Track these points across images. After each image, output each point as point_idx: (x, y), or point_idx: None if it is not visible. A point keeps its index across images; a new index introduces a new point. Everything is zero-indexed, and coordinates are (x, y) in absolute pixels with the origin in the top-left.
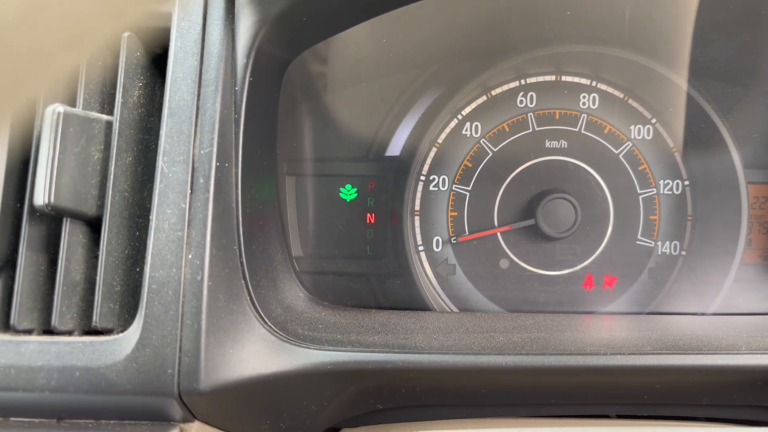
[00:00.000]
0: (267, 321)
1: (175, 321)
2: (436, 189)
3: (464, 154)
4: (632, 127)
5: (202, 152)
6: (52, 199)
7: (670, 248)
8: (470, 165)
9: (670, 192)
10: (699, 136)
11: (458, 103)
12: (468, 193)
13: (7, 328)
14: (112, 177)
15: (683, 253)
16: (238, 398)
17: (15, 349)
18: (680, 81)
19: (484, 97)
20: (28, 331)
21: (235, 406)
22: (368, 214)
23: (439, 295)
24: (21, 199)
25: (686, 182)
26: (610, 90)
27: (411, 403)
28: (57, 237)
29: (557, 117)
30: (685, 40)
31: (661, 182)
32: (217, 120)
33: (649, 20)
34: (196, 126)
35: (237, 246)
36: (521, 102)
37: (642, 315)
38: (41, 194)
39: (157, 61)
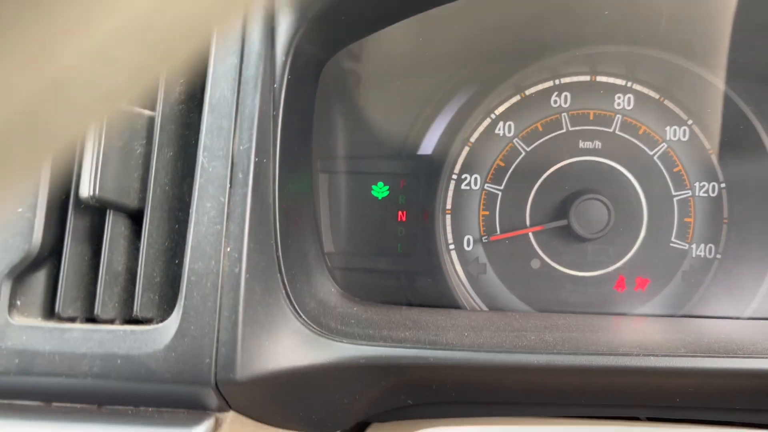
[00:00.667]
0: (301, 314)
1: (213, 312)
2: (468, 188)
3: (497, 154)
4: (668, 128)
5: (241, 148)
6: (97, 192)
7: (704, 251)
8: (503, 164)
9: (706, 194)
10: (736, 138)
11: (492, 103)
12: (500, 193)
13: (52, 315)
14: (153, 171)
15: (718, 256)
16: (272, 389)
17: (59, 336)
18: (718, 82)
19: (518, 97)
20: (72, 319)
21: (269, 397)
22: (399, 212)
23: (470, 294)
24: (67, 192)
25: (723, 185)
26: (646, 91)
27: (441, 400)
28: (100, 228)
29: (591, 117)
30: (724, 41)
31: (697, 184)
32: (256, 116)
33: (686, 20)
34: (235, 122)
35: (273, 240)
36: (555, 102)
37: (675, 318)
38: (87, 187)
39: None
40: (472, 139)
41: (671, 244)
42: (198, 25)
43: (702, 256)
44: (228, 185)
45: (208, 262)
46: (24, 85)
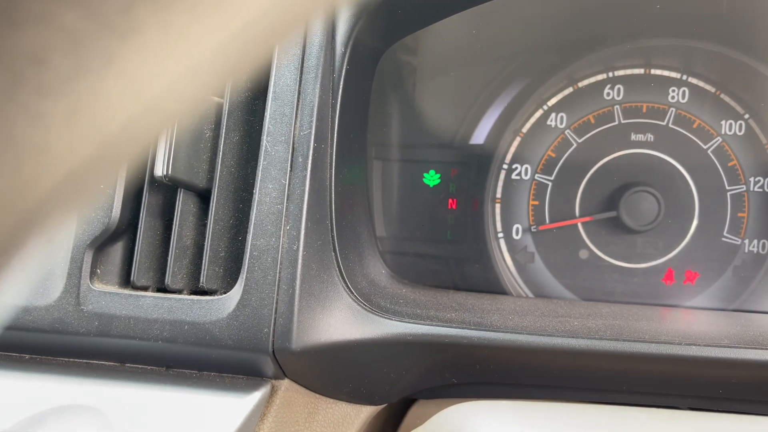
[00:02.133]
0: (353, 291)
1: (273, 285)
2: (518, 177)
3: (548, 145)
4: (723, 122)
5: (301, 133)
6: (170, 172)
7: (758, 247)
8: (554, 155)
9: (761, 189)
10: None
11: (544, 94)
12: (550, 183)
13: (127, 284)
14: (220, 154)
15: None
16: (324, 360)
17: (134, 302)
18: None
19: (571, 89)
20: (145, 288)
21: (321, 368)
22: (450, 200)
23: (516, 281)
24: (143, 171)
25: None
26: (701, 84)
27: (484, 380)
28: (172, 206)
29: (644, 110)
30: None
31: (752, 179)
32: (316, 104)
33: (746, 15)
34: (297, 109)
35: (329, 221)
36: (608, 94)
37: (723, 311)
38: (161, 167)
39: None
40: (524, 130)
41: (723, 239)
42: (262, 40)
43: (755, 251)
44: (289, 168)
45: (269, 239)
46: (125, 105)
